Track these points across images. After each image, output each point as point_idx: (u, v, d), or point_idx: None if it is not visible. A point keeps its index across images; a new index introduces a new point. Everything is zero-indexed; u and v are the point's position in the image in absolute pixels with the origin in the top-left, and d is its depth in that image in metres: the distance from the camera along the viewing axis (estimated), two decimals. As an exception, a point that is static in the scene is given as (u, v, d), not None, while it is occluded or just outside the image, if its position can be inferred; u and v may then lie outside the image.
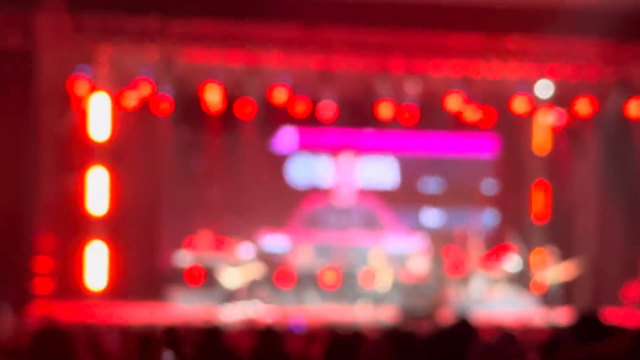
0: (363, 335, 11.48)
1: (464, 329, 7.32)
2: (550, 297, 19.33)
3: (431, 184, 22.82)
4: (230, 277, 18.87)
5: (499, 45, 19.07)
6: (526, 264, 22.34)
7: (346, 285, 20.26)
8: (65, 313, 16.79)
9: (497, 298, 20.24)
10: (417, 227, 22.63)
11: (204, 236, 20.66)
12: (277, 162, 22.27)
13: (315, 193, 22.19)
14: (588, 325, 6.96)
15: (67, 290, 19.96)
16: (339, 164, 22.32)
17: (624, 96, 19.86)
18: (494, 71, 20.05)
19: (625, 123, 21.01)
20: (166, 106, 20.10)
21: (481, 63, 19.62)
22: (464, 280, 20.54)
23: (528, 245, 22.86)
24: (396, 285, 20.78)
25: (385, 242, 22.28)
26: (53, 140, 18.32)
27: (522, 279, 21.77)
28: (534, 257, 22.56)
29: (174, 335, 11.85)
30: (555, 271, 19.46)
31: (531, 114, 22.29)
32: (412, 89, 20.29)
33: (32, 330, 10.28)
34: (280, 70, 20.00)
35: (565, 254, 21.53)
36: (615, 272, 21.95)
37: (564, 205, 22.98)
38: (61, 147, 18.70)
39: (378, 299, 20.23)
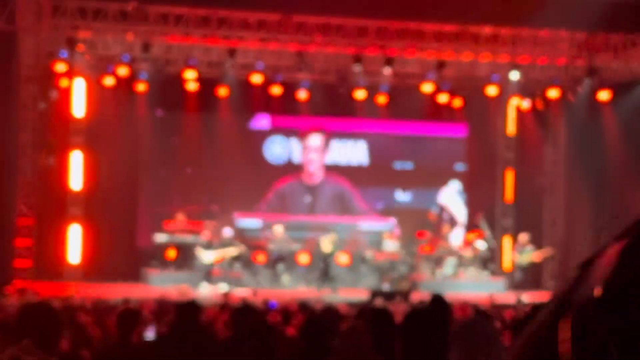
0: (339, 314, 11.71)
1: (440, 306, 7.54)
2: (518, 279, 19.63)
3: (404, 166, 23.06)
4: (206, 256, 19.01)
5: (473, 33, 19.29)
6: (495, 246, 22.77)
7: (319, 265, 20.47)
8: (44, 291, 16.96)
9: (467, 279, 20.56)
10: (389, 207, 22.92)
11: (181, 215, 20.80)
12: (253, 141, 22.45)
13: (289, 173, 22.42)
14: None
15: (46, 269, 20.18)
16: (313, 144, 22.54)
17: (593, 84, 20.16)
18: (466, 57, 20.29)
19: (593, 110, 21.30)
20: (144, 86, 20.22)
21: (455, 49, 19.84)
22: (435, 261, 20.85)
23: (497, 228, 23.31)
24: (368, 265, 21.09)
25: (358, 222, 22.61)
26: (33, 119, 18.46)
27: (491, 261, 22.18)
28: (503, 239, 23.02)
29: (153, 311, 12.08)
30: (524, 253, 19.76)
31: (502, 99, 22.69)
32: (386, 73, 20.51)
33: (16, 307, 10.54)
34: (257, 53, 20.18)
35: (534, 237, 21.98)
36: (582, 255, 22.35)
37: (533, 188, 23.40)
38: (41, 126, 18.83)
39: (348, 278, 20.54)
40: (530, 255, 19.82)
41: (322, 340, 5.78)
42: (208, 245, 19.24)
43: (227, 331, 9.12)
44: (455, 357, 3.57)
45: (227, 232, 20.08)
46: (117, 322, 6.76)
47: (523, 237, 20.38)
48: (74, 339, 8.32)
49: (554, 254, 22.13)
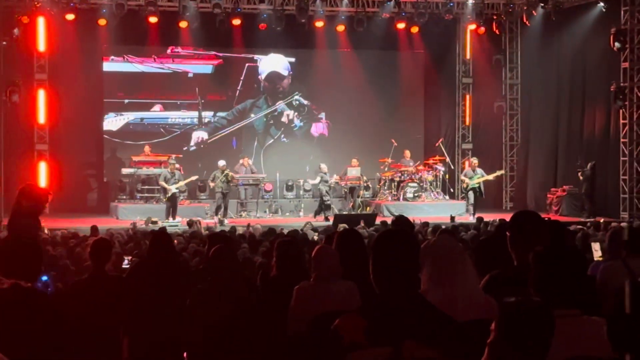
0: (306, 239, 11.99)
1: (403, 225, 7.77)
2: (476, 201, 19.88)
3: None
4: (174, 187, 19.12)
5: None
6: (454, 169, 23.14)
7: (287, 193, 20.73)
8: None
9: (427, 202, 20.90)
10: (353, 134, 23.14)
11: (147, 148, 20.89)
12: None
13: (255, 103, 22.60)
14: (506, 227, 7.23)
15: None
16: (277, 72, 22.70)
17: (547, 7, 20.35)
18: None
19: (548, 33, 21.54)
20: (105, 21, 20.20)
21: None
22: (397, 185, 21.16)
23: (457, 152, 23.66)
24: (333, 190, 21.40)
25: (325, 149, 22.86)
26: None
27: (450, 184, 22.54)
28: (463, 163, 23.33)
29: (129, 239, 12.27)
30: (474, 177, 19.93)
31: (459, 25, 22.86)
32: (346, 3, 20.62)
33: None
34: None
35: (492, 161, 22.42)
36: (539, 177, 22.76)
37: (491, 112, 23.69)
38: (4, 63, 18.71)
39: (317, 205, 20.85)
40: (481, 178, 19.94)
41: (294, 265, 5.99)
42: (176, 176, 19.29)
43: (198, 259, 9.40)
44: (425, 275, 3.76)
45: (221, 162, 20.03)
46: (91, 252, 6.62)
47: (473, 161, 20.49)
48: (46, 271, 8.37)
49: (504, 173, 22.61)
